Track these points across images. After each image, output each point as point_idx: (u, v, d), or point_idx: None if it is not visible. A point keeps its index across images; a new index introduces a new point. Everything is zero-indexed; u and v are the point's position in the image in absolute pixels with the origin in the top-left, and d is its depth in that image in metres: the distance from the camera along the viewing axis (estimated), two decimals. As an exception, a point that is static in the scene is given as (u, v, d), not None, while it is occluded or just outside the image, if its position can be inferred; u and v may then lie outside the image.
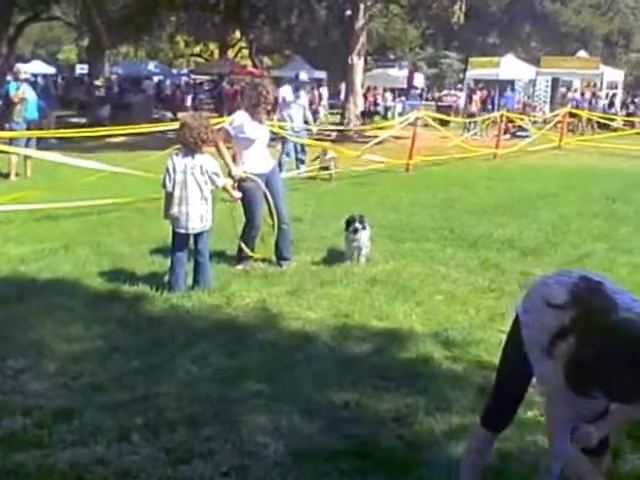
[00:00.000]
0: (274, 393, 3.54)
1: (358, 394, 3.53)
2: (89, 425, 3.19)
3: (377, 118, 26.47)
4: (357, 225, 5.93)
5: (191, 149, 5.03)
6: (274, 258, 6.00)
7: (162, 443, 3.05)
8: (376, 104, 30.10)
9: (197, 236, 5.14)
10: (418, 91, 33.50)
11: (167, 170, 5.06)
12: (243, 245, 5.83)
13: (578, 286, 2.16)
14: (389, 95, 29.60)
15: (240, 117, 5.78)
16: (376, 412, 3.37)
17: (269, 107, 5.86)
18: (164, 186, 5.10)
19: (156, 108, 29.77)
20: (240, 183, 5.67)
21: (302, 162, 11.57)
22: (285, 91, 11.28)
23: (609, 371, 1.95)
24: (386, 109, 27.69)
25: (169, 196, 5.09)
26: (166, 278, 5.23)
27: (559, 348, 2.13)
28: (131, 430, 3.14)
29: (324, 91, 30.49)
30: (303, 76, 12.44)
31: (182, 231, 5.09)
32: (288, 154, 11.21)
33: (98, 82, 23.25)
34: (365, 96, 28.22)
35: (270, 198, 5.81)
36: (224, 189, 5.37)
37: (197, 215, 5.06)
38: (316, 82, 32.14)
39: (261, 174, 5.78)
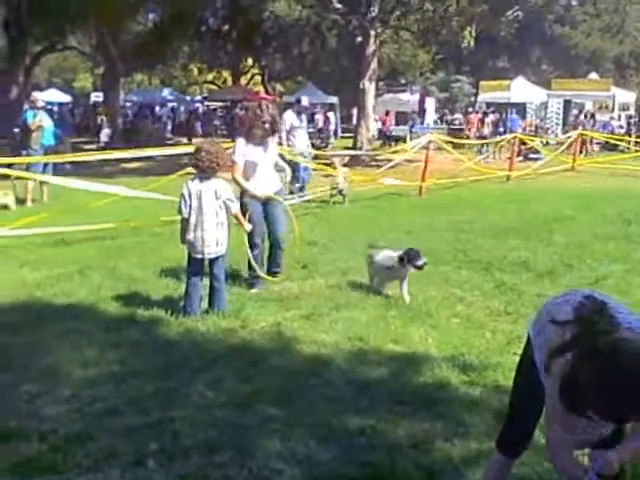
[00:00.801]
0: (289, 418, 3.51)
1: (374, 420, 3.49)
2: (104, 450, 3.18)
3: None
4: (426, 260, 5.67)
5: (206, 174, 5.07)
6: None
7: (177, 469, 3.03)
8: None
9: (213, 260, 5.16)
10: (432, 118, 33.58)
11: (182, 196, 5.09)
12: (257, 268, 5.86)
13: (582, 304, 2.16)
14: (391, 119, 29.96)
15: (239, 143, 5.92)
16: (393, 438, 3.33)
17: (266, 125, 5.83)
18: (180, 212, 5.13)
19: (171, 134, 30.15)
20: (241, 200, 5.74)
21: (303, 188, 11.54)
22: (289, 116, 11.33)
23: (606, 391, 1.94)
24: (388, 133, 27.97)
25: (185, 222, 5.11)
26: (181, 302, 5.24)
27: (556, 364, 2.13)
28: (146, 455, 3.13)
29: (332, 116, 30.55)
30: (304, 101, 12.51)
31: (199, 256, 5.11)
32: (298, 179, 11.22)
33: (100, 109, 23.84)
34: (384, 121, 28.59)
35: (269, 219, 5.94)
36: (235, 217, 5.38)
37: (213, 240, 5.08)
38: (327, 107, 32.40)
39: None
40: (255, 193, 5.82)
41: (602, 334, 2.01)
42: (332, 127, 29.74)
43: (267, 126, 5.84)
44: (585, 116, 27.13)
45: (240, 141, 5.90)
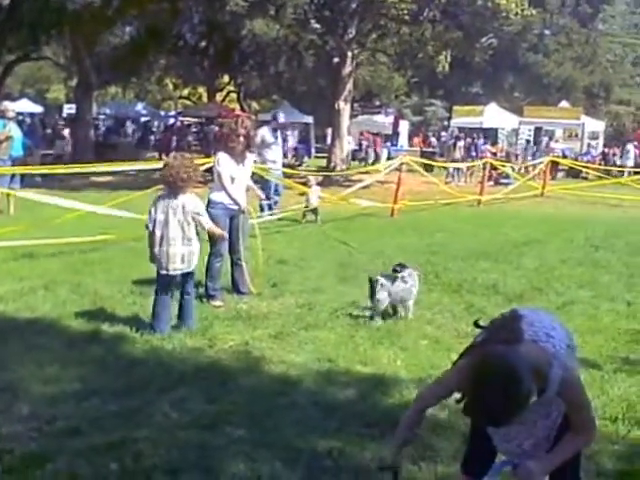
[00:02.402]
0: (255, 440, 3.45)
1: (342, 442, 3.45)
2: (62, 471, 3.08)
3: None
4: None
5: (173, 189, 5.02)
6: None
7: (138, 491, 2.95)
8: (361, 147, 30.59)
9: (181, 277, 5.09)
10: (406, 140, 34.13)
11: (149, 210, 5.06)
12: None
13: (502, 314, 2.37)
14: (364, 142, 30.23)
15: (221, 156, 6.06)
16: (360, 461, 3.29)
17: (241, 139, 5.98)
18: (147, 226, 5.09)
19: (145, 149, 29.92)
20: (208, 210, 5.74)
21: (276, 203, 11.48)
22: (263, 132, 11.31)
23: (477, 394, 2.13)
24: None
25: (151, 236, 5.06)
26: (148, 319, 5.14)
27: (460, 362, 2.37)
28: (106, 477, 3.05)
29: (290, 134, 30.23)
30: (281, 117, 12.51)
31: (163, 272, 5.04)
32: (268, 197, 11.12)
33: (60, 121, 23.77)
34: (375, 141, 29.11)
35: (234, 233, 6.05)
36: (208, 230, 5.34)
37: (178, 256, 5.00)
38: (301, 126, 32.49)
39: (231, 209, 6.02)
40: (242, 204, 6.00)
41: (499, 342, 2.19)
42: (290, 145, 29.38)
43: (241, 139, 5.99)
44: (529, 142, 28.10)
45: (222, 154, 6.04)
